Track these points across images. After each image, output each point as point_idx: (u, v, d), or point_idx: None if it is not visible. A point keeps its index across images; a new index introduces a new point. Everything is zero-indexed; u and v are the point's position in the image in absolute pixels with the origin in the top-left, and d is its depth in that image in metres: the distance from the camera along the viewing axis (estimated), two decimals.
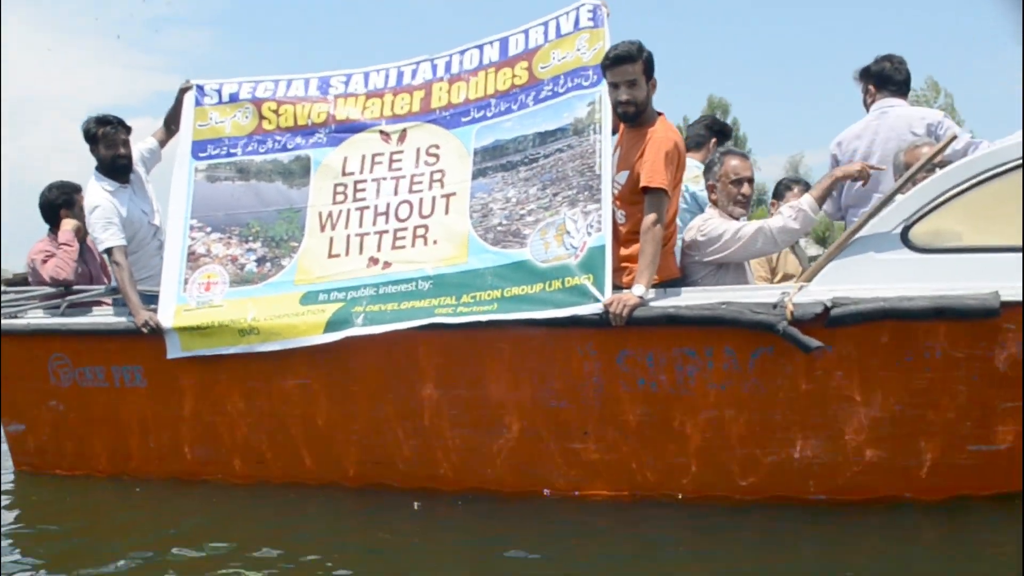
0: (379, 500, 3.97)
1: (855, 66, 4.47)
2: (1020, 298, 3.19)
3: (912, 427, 3.38)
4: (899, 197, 3.47)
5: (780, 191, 4.76)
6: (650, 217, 3.58)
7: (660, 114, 3.81)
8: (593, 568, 3.18)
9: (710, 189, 4.05)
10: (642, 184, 3.62)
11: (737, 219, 3.93)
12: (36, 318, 4.55)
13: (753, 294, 3.52)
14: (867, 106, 4.44)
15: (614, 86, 3.74)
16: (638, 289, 3.53)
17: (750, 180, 3.93)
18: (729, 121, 63.20)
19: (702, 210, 4.30)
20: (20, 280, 5.14)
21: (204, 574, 3.21)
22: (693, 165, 4.60)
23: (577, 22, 4.08)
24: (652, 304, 3.55)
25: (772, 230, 3.74)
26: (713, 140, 4.98)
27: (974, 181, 3.40)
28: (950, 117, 4.13)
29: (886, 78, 4.22)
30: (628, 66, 3.69)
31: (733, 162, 3.92)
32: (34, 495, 4.50)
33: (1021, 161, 3.34)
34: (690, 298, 3.58)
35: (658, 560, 3.22)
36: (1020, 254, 3.29)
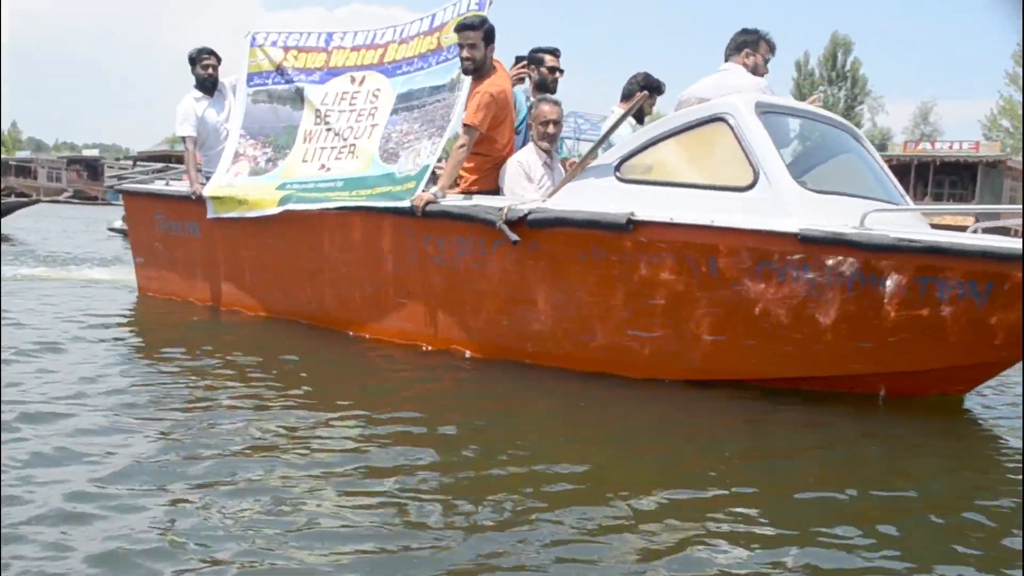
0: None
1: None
2: (654, 219, 4.17)
3: (589, 311, 4.47)
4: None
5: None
6: (457, 142, 4.97)
7: (495, 70, 5.10)
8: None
9: (528, 127, 5.21)
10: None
11: (546, 152, 5.10)
12: (150, 186, 6.95)
13: (501, 202, 4.76)
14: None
15: (460, 46, 5.10)
16: (433, 189, 4.94)
17: (556, 122, 5.05)
18: (850, 61, 52.90)
19: None
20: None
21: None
22: (619, 113, 5.65)
23: (468, 6, 5.44)
24: (441, 204, 4.93)
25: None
26: (641, 94, 5.92)
27: (670, 132, 4.39)
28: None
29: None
30: (469, 32, 5.04)
31: (544, 107, 5.06)
32: (148, 310, 6.86)
33: (697, 122, 4.29)
34: (463, 202, 4.90)
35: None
36: (678, 189, 4.26)
